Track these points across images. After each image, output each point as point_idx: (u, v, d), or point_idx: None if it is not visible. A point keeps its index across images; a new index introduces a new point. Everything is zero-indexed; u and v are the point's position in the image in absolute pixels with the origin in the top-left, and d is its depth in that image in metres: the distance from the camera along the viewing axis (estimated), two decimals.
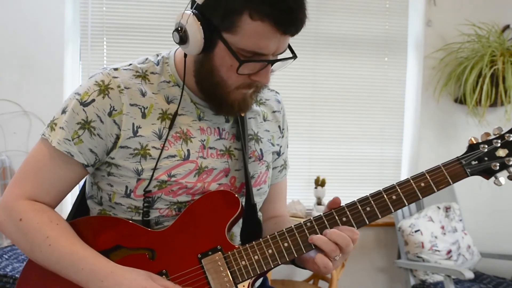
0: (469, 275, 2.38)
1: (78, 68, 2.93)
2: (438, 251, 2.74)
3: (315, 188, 3.01)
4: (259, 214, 1.17)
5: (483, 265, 3.02)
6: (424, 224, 2.80)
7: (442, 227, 2.85)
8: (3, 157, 2.59)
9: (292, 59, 0.99)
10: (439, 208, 2.92)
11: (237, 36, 0.92)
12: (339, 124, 3.19)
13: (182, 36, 0.96)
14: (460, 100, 3.08)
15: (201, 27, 0.94)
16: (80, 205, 1.15)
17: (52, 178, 1.01)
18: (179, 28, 0.97)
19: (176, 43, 0.99)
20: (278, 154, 1.23)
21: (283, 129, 1.23)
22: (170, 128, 1.02)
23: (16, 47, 2.74)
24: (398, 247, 2.95)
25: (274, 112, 1.21)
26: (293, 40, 0.98)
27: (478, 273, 2.88)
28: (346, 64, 3.16)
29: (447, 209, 2.94)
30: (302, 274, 3.11)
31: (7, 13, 2.72)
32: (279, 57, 1.00)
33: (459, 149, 1.15)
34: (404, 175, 3.27)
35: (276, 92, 1.24)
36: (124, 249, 1.00)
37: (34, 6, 2.74)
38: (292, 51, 1.00)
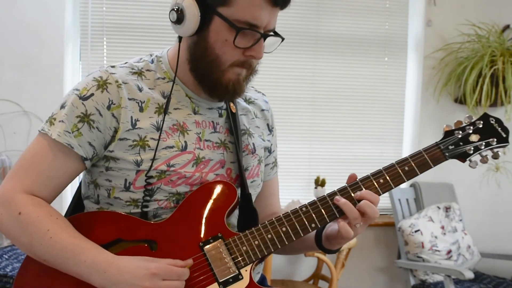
0: (469, 275, 2.38)
1: (78, 68, 2.93)
2: (438, 251, 2.75)
3: (315, 188, 3.01)
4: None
5: (483, 265, 3.02)
6: (424, 224, 2.80)
7: (442, 227, 2.85)
8: (3, 157, 2.59)
9: (281, 40, 1.06)
10: (439, 208, 2.92)
11: (232, 7, 0.98)
12: (339, 124, 3.19)
13: (179, 15, 1.02)
14: (460, 100, 3.08)
15: (197, 4, 1.00)
16: (76, 206, 1.15)
17: (51, 171, 1.01)
18: (176, 8, 1.03)
19: (173, 22, 1.04)
20: (270, 151, 1.27)
21: (272, 128, 1.28)
22: (165, 113, 1.05)
23: (16, 47, 2.74)
24: (398, 247, 2.95)
25: (262, 110, 1.26)
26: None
27: (478, 273, 2.88)
28: (346, 64, 3.16)
29: (447, 209, 2.94)
30: (302, 274, 3.11)
31: (7, 13, 2.72)
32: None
33: None
34: None
35: (263, 94, 1.30)
36: (124, 242, 1.01)
37: (34, 7, 2.74)
38: (279, 35, 1.06)
